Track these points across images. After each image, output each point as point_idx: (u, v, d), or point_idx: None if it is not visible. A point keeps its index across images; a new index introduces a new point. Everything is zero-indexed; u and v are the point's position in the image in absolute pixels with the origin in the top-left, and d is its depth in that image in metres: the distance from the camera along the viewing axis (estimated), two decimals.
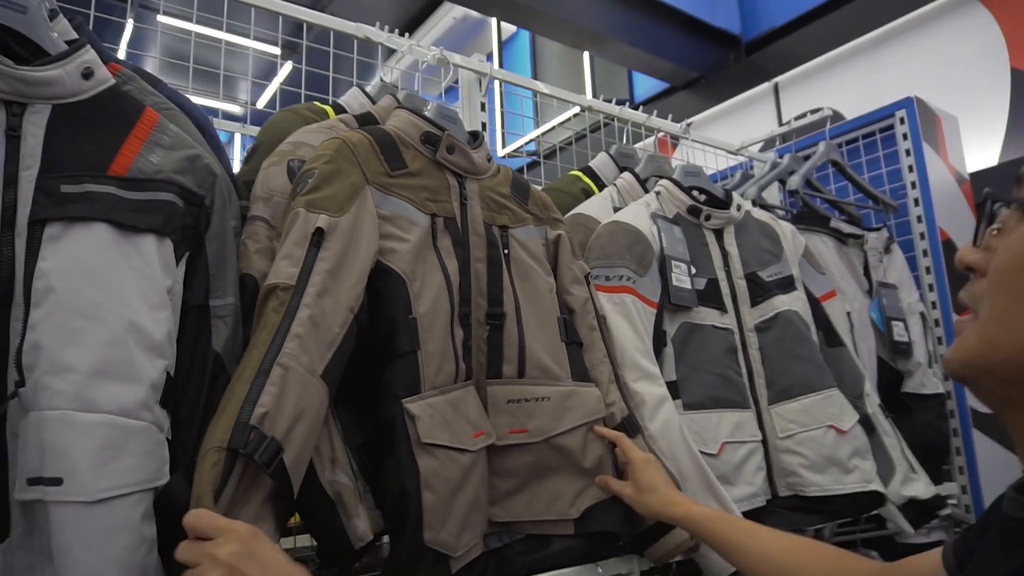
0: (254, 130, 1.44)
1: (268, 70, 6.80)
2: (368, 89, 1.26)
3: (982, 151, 3.46)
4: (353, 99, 1.23)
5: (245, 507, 0.76)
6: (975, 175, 2.43)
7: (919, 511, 1.54)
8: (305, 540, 1.13)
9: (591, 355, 1.22)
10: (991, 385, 0.53)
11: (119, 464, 0.69)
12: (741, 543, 0.94)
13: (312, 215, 0.91)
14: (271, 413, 0.78)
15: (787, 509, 1.40)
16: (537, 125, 5.35)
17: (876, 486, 1.42)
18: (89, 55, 0.83)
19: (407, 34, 1.54)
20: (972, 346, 0.52)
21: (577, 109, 1.99)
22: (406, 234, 1.00)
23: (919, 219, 2.16)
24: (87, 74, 0.82)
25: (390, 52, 1.53)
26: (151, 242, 0.78)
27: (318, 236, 0.89)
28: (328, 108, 1.19)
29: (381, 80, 1.34)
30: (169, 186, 0.81)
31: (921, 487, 1.57)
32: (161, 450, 0.75)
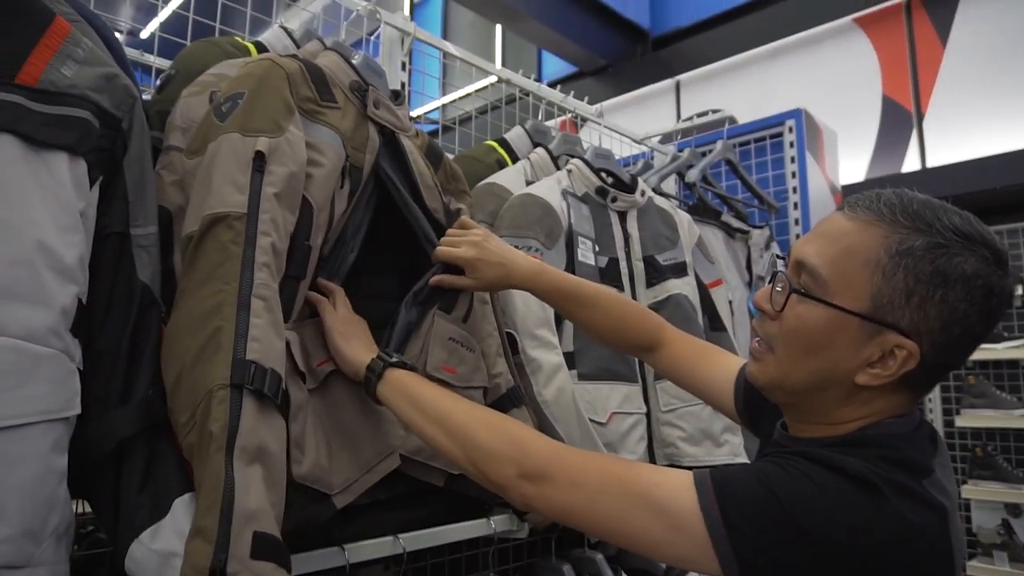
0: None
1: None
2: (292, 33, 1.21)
3: (852, 166, 3.80)
4: (277, 40, 1.18)
5: (266, 438, 0.75)
6: (845, 187, 2.68)
7: None
8: None
9: (481, 327, 1.23)
10: (780, 395, 0.81)
11: (24, 392, 0.65)
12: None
13: (250, 139, 0.87)
14: (264, 346, 0.77)
15: None
16: (444, 92, 5.28)
17: (743, 459, 1.55)
18: None
19: None
20: (772, 372, 0.78)
21: (493, 79, 1.99)
22: (324, 159, 0.97)
23: (796, 221, 2.35)
24: None
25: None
26: (63, 160, 0.72)
27: (260, 161, 0.86)
28: (250, 45, 1.14)
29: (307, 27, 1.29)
30: (84, 103, 0.76)
31: None
32: (72, 380, 0.71)
